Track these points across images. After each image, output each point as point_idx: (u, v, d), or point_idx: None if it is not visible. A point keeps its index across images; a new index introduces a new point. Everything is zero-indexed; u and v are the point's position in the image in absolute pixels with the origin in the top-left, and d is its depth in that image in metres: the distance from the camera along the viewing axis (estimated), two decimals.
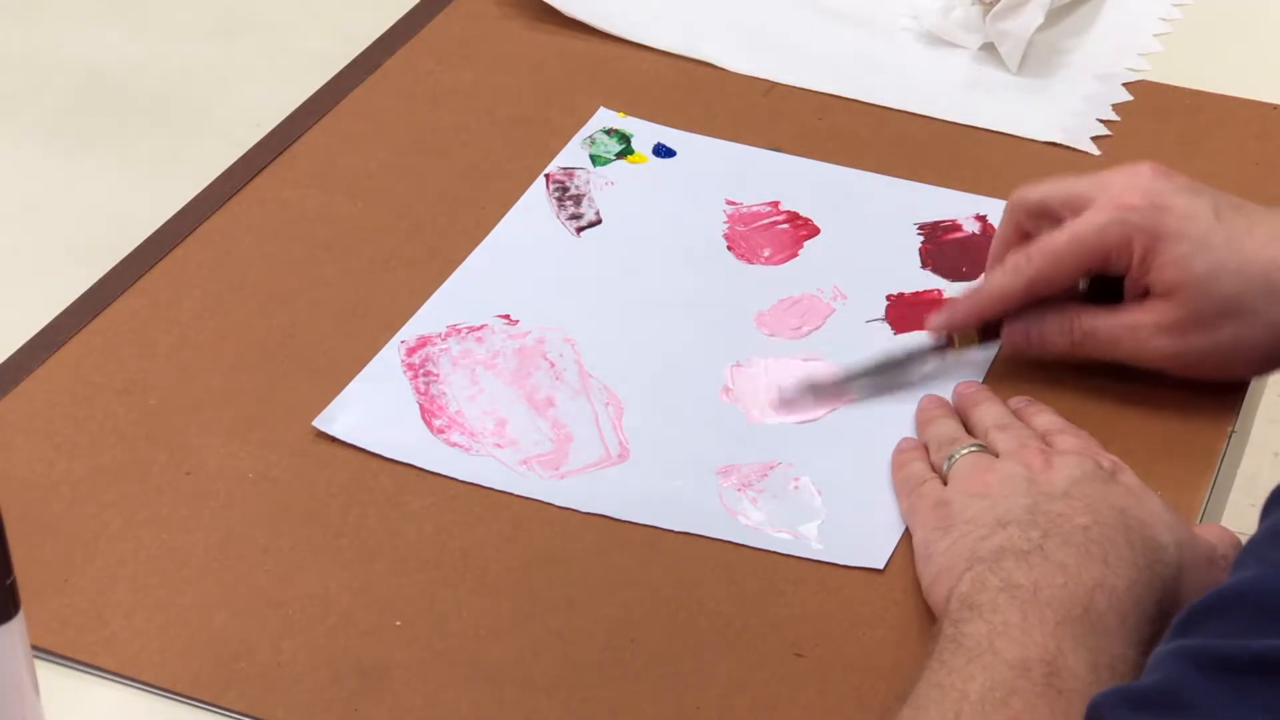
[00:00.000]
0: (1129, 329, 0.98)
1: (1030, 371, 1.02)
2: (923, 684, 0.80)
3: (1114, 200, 0.98)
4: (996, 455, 0.93)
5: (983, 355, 1.03)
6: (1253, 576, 0.70)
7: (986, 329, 1.02)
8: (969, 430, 0.97)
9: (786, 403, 1.00)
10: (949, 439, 0.96)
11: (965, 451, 0.94)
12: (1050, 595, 0.82)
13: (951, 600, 0.84)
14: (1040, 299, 1.00)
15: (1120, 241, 0.97)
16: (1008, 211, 1.02)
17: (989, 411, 0.97)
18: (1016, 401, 0.99)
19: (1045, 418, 0.97)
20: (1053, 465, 0.90)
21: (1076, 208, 0.99)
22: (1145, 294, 0.98)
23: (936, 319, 1.03)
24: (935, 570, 0.88)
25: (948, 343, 1.02)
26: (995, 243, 1.03)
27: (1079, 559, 0.83)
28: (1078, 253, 0.98)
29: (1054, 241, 0.99)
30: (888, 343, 1.04)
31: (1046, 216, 1.00)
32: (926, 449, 0.96)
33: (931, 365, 1.02)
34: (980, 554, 0.85)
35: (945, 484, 0.93)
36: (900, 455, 0.97)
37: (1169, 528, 0.87)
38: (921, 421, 0.99)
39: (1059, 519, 0.86)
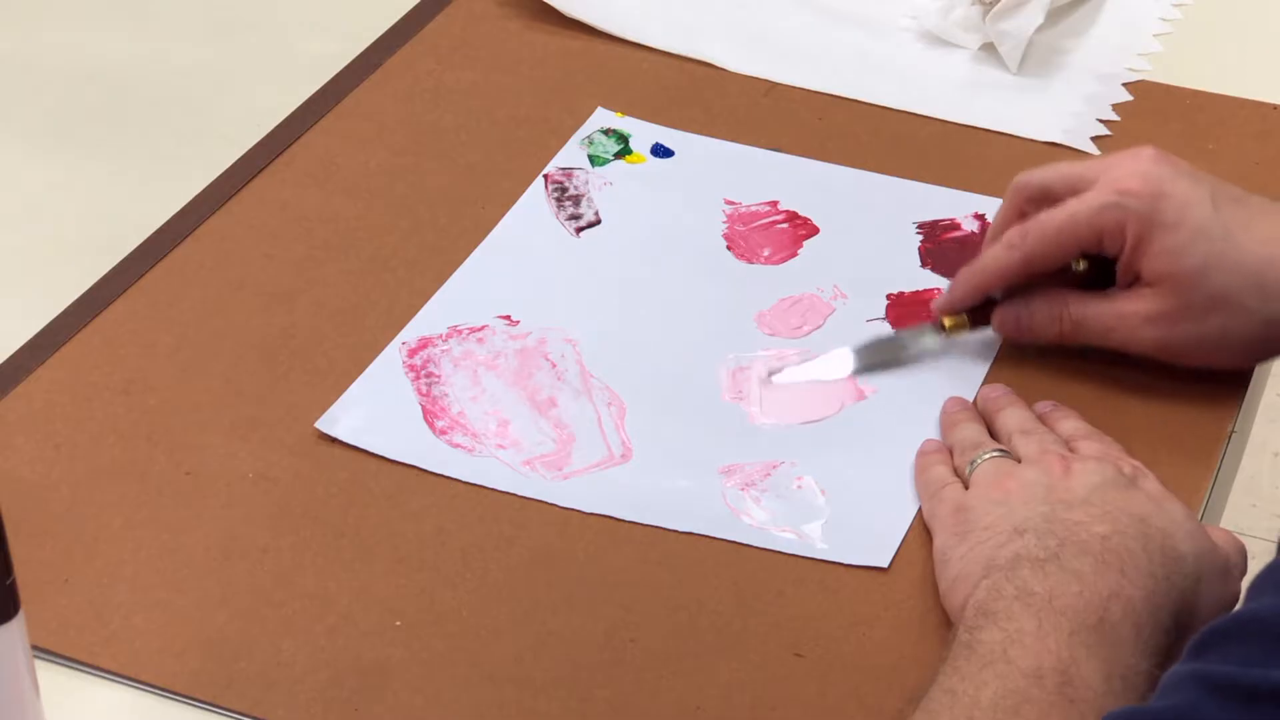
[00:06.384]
0: (1118, 318, 0.99)
1: (1031, 372, 1.02)
2: (935, 689, 0.79)
3: (1114, 183, 0.98)
4: (1019, 460, 0.93)
5: (986, 348, 1.03)
6: (1273, 603, 0.69)
7: (977, 314, 1.02)
8: (993, 435, 0.97)
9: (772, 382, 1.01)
10: (972, 443, 0.95)
11: (988, 456, 0.93)
12: (1065, 604, 0.81)
13: (967, 607, 0.84)
14: (1036, 277, 1.00)
15: (1115, 225, 0.97)
16: (1009, 194, 1.02)
17: (1013, 416, 0.97)
18: (1042, 406, 0.98)
19: (1070, 423, 0.96)
20: (1072, 472, 0.89)
21: (1078, 190, 0.99)
22: (1136, 279, 0.98)
23: (938, 301, 1.03)
24: (952, 576, 0.87)
25: (940, 327, 1.03)
26: (994, 223, 1.03)
27: (1095, 568, 0.83)
28: (1073, 232, 0.98)
29: (1051, 219, 0.99)
30: (880, 328, 1.05)
31: (1048, 201, 1.00)
32: (951, 452, 0.96)
33: (927, 344, 1.03)
34: (997, 561, 0.85)
35: (967, 488, 0.92)
36: (924, 458, 0.96)
37: (1189, 536, 0.86)
38: (946, 425, 0.98)
39: (1076, 527, 0.85)
